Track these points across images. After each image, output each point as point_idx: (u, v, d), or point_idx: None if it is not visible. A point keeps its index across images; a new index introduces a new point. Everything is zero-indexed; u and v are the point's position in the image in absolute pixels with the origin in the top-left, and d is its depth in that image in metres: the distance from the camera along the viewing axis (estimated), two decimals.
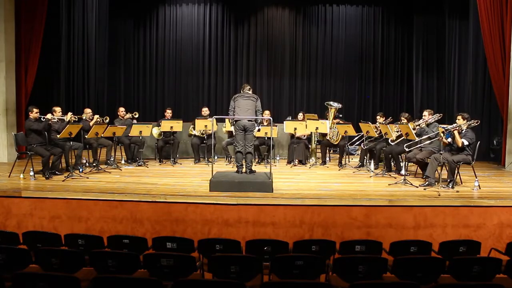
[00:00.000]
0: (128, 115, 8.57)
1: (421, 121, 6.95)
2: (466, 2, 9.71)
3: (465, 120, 6.41)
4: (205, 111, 8.73)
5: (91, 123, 7.48)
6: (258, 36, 12.18)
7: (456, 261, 3.53)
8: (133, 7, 12.06)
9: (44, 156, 6.64)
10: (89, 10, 10.58)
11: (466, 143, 6.25)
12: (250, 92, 6.61)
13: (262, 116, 7.13)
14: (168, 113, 8.69)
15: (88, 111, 8.12)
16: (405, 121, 7.32)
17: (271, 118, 7.01)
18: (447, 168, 6.38)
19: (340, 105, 8.60)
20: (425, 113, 7.06)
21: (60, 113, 7.24)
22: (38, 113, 6.91)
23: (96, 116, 7.77)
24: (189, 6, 12.20)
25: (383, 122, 7.85)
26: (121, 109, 8.74)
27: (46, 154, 6.66)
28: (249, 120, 6.34)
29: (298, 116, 8.90)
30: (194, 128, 8.61)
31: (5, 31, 8.26)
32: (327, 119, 8.40)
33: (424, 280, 3.36)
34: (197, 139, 8.56)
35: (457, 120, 6.46)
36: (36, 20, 8.59)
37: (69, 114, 7.09)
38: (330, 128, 8.29)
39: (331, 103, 8.55)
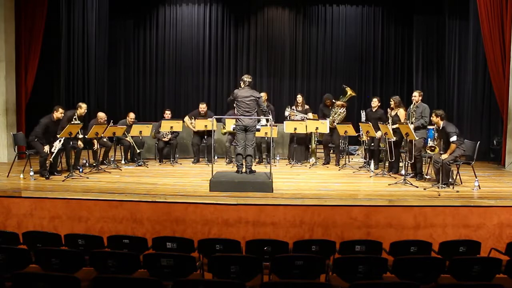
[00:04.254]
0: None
1: (412, 106, 6.91)
2: (466, 2, 9.71)
3: (438, 118, 6.31)
4: (203, 108, 8.63)
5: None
6: (258, 36, 12.17)
7: (456, 261, 3.53)
8: (133, 7, 12.04)
9: (42, 156, 6.62)
10: (89, 10, 10.58)
11: (455, 138, 6.10)
12: (250, 85, 6.41)
13: (267, 113, 6.87)
14: (167, 114, 8.65)
15: (83, 106, 7.55)
16: (393, 104, 7.30)
17: (271, 118, 6.99)
18: (443, 170, 6.27)
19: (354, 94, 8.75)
20: (415, 93, 6.95)
21: (62, 114, 7.06)
22: (63, 114, 6.82)
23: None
24: (189, 6, 12.19)
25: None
26: (132, 115, 8.47)
27: (44, 154, 6.64)
28: (249, 119, 6.31)
29: (297, 99, 8.68)
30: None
31: (5, 31, 8.26)
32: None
33: (424, 280, 3.36)
34: (197, 139, 8.54)
35: (431, 119, 6.41)
36: (36, 20, 8.58)
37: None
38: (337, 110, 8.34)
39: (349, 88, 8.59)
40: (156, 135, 8.43)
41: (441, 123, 6.32)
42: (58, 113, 6.77)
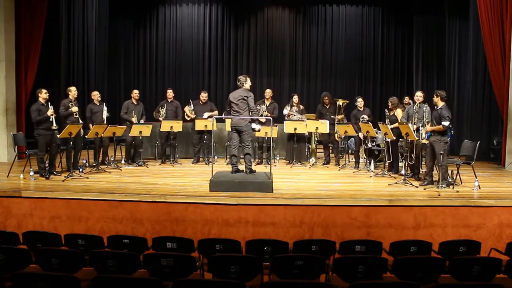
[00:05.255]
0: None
1: (415, 106, 6.86)
2: (466, 2, 9.72)
3: (439, 97, 6.23)
4: (205, 96, 8.68)
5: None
6: (258, 36, 12.19)
7: (456, 261, 3.53)
8: (133, 7, 12.06)
9: (40, 152, 6.60)
10: (89, 10, 10.58)
11: (446, 123, 6.06)
12: (247, 85, 6.39)
13: (257, 114, 6.79)
14: (169, 93, 8.61)
15: (71, 89, 7.42)
16: (391, 105, 7.33)
17: (271, 118, 6.99)
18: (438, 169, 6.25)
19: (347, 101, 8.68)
20: (419, 93, 6.79)
21: (47, 93, 6.88)
22: (47, 93, 6.78)
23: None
24: (189, 6, 12.20)
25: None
26: (135, 91, 8.56)
27: (42, 150, 6.61)
28: (239, 119, 6.32)
29: (294, 99, 8.67)
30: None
31: (5, 31, 8.26)
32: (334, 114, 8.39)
33: (424, 280, 3.36)
34: (197, 139, 8.53)
35: (433, 98, 6.30)
36: (36, 20, 8.59)
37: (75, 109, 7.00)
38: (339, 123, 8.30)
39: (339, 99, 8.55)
40: (156, 115, 8.46)
41: (440, 104, 6.23)
42: (43, 94, 6.76)
